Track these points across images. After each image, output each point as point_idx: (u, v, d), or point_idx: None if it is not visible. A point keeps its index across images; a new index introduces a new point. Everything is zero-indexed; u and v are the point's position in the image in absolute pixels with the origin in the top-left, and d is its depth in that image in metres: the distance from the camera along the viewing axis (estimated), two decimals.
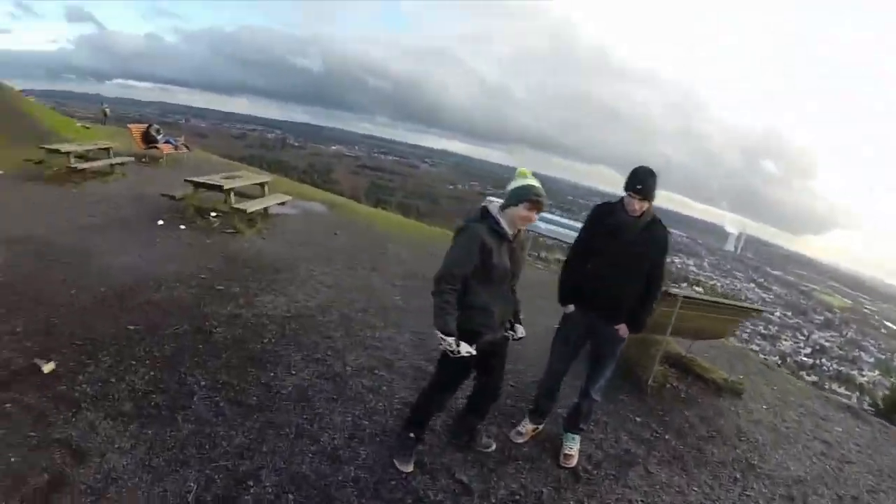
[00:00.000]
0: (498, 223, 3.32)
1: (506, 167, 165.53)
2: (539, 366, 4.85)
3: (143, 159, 14.96)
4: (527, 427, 4.40)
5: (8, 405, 3.86)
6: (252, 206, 9.44)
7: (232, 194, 9.55)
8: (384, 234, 10.91)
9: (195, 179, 9.68)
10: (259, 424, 4.03)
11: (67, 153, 11.78)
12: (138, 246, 7.91)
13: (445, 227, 14.88)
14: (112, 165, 12.69)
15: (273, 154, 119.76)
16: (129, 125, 16.26)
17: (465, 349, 3.28)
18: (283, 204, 10.68)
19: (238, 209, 9.26)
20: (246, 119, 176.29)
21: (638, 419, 5.08)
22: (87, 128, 20.08)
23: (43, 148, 12.06)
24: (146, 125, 15.87)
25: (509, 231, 3.35)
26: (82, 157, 12.46)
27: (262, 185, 10.89)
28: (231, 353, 4.97)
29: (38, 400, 3.97)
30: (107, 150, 13.07)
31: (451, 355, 3.27)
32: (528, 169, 3.41)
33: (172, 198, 9.77)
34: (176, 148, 15.79)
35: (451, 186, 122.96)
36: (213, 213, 9.58)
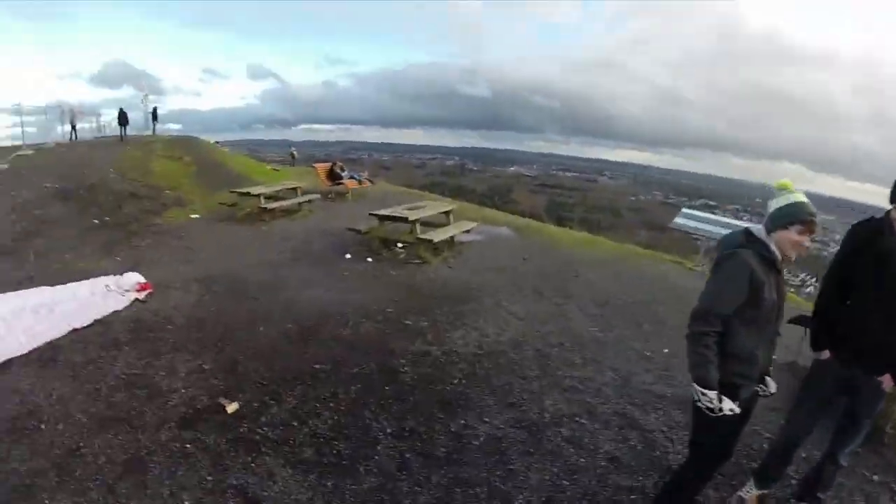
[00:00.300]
0: (768, 248, 2.60)
1: (687, 173, 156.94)
2: (763, 413, 3.87)
3: (330, 196, 15.59)
4: (752, 493, 3.44)
5: (188, 445, 3.75)
6: (438, 236, 9.25)
7: (417, 225, 9.41)
8: (572, 255, 10.18)
9: (380, 213, 9.77)
10: (446, 481, 3.51)
11: (258, 195, 12.38)
12: (325, 280, 7.97)
13: (628, 240, 13.96)
14: (300, 204, 13.25)
15: (454, 180, 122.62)
16: (314, 164, 17.11)
17: (729, 406, 2.53)
18: (468, 231, 10.38)
19: (424, 239, 9.09)
20: (424, 149, 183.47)
21: (875, 478, 3.88)
22: (277, 170, 21.59)
23: (234, 192, 12.80)
24: (331, 163, 16.67)
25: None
26: (271, 197, 13.13)
27: (446, 213, 10.75)
28: (418, 396, 4.55)
29: (219, 441, 3.81)
30: (294, 189, 13.73)
31: (711, 414, 2.50)
32: (788, 180, 2.65)
33: (358, 232, 9.90)
34: (360, 183, 16.35)
35: (632, 198, 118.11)
36: (399, 245, 9.48)
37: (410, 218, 9.32)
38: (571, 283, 8.21)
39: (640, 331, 6.30)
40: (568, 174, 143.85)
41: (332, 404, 4.35)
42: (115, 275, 7.51)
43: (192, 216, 13.22)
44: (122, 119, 26.78)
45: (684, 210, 11.82)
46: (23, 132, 21.11)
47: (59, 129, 27.78)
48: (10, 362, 5.18)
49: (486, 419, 4.23)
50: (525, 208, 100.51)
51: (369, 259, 9.00)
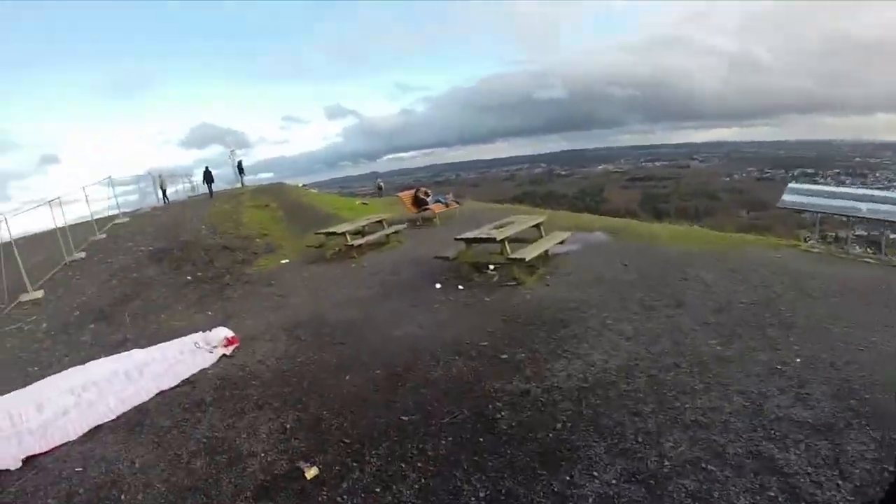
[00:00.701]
0: None
1: (779, 143, 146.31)
2: None
3: (418, 223, 15.37)
4: None
5: None
6: (530, 253, 8.56)
7: (506, 244, 8.80)
8: (675, 253, 9.26)
9: (466, 236, 9.20)
10: None
11: (342, 233, 12.17)
12: (414, 314, 7.56)
13: (729, 224, 12.96)
14: (387, 235, 12.98)
15: (543, 187, 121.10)
16: (398, 194, 16.76)
17: None
18: (561, 243, 9.67)
19: (516, 258, 8.45)
20: (510, 161, 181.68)
21: None
22: (366, 203, 21.66)
23: (320, 233, 12.72)
24: (414, 189, 16.37)
25: None
26: (358, 233, 12.90)
27: (537, 226, 10.08)
28: (516, 448, 3.95)
29: None
30: (380, 222, 13.43)
31: None
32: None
33: (446, 259, 9.40)
34: (447, 205, 15.93)
35: (726, 178, 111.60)
36: (491, 267, 8.97)
37: (498, 238, 8.72)
38: (680, 287, 7.35)
39: (766, 338, 5.40)
40: (657, 164, 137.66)
41: (419, 464, 3.87)
42: (204, 331, 7.48)
43: (283, 261, 13.25)
44: (208, 177, 28.74)
45: (791, 186, 10.59)
46: (117, 202, 22.43)
47: (154, 195, 30.05)
48: (99, 428, 5.26)
49: (595, 473, 3.57)
50: (618, 206, 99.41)
51: (460, 287, 8.48)
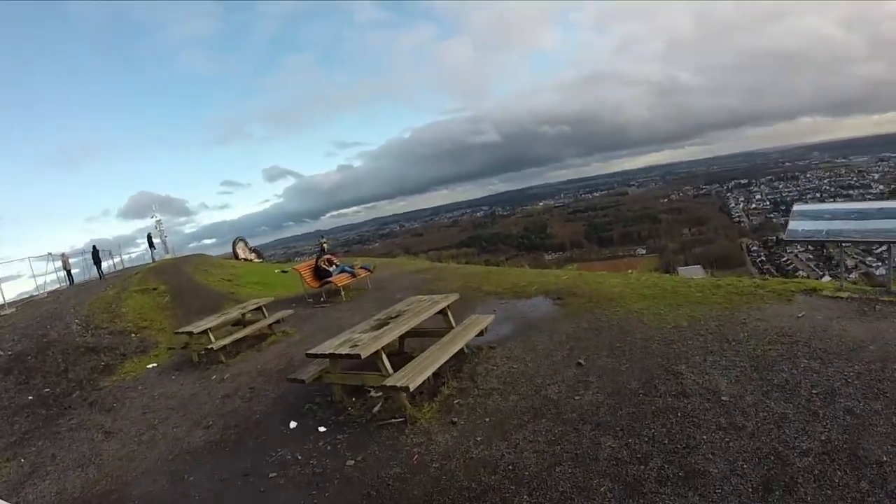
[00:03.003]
0: None
1: (711, 159, 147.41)
2: None
3: (322, 298, 12.20)
4: None
5: None
6: (417, 377, 5.11)
7: (384, 359, 5.42)
8: (653, 330, 6.22)
9: (319, 351, 5.62)
10: None
11: (202, 332, 9.14)
12: (237, 497, 4.54)
13: (672, 240, 10.90)
14: (271, 326, 9.81)
15: (487, 230, 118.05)
16: (296, 266, 13.39)
17: None
18: (482, 333, 6.51)
19: (397, 387, 5.06)
20: (452, 207, 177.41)
21: None
22: (286, 272, 18.37)
23: (180, 332, 9.61)
24: (314, 259, 13.18)
25: None
26: (237, 323, 9.77)
27: (443, 311, 6.75)
28: None
29: None
30: (259, 309, 10.18)
31: None
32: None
33: (302, 382, 6.01)
34: (353, 276, 12.70)
35: (664, 200, 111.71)
36: (373, 390, 5.83)
37: (369, 350, 5.25)
38: (680, 417, 4.25)
39: None
40: (596, 194, 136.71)
41: None
42: None
43: (150, 366, 10.19)
44: (95, 258, 25.60)
45: (798, 208, 6.95)
46: (35, 281, 22.30)
47: (91, 271, 27.54)
48: None
49: None
50: (564, 239, 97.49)
51: (322, 428, 5.37)
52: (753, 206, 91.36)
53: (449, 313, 6.76)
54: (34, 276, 23.28)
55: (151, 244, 30.79)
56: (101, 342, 11.87)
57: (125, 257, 32.46)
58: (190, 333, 9.18)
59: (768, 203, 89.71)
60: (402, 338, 6.47)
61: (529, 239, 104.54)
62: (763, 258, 71.91)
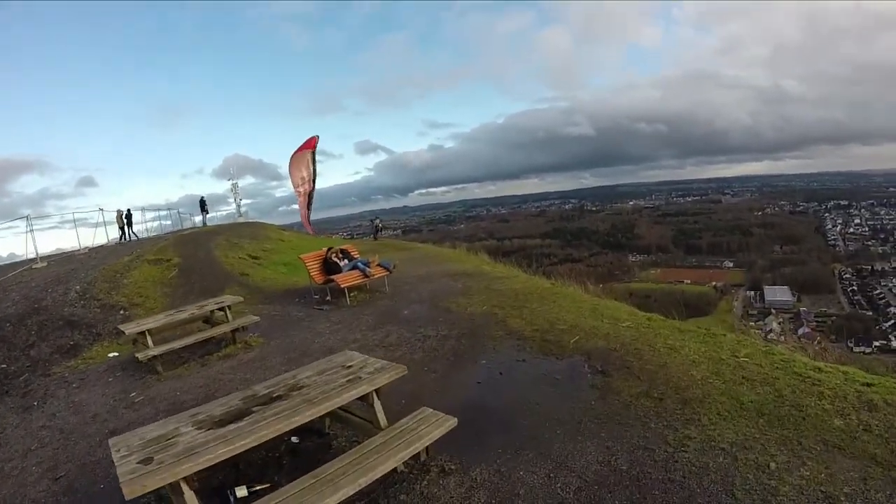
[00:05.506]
0: None
1: (811, 175, 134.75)
2: None
3: (325, 299, 9.80)
4: None
5: None
6: None
7: None
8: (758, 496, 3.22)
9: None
10: None
11: (141, 333, 6.87)
12: None
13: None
14: (234, 332, 7.47)
15: (574, 223, 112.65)
16: (301, 256, 10.70)
17: None
18: (427, 454, 3.74)
19: None
20: (541, 196, 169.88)
21: None
22: (282, 241, 16.28)
23: (120, 328, 7.45)
24: (326, 249, 10.48)
25: None
26: (191, 320, 7.53)
27: (368, 399, 3.86)
28: None
29: None
30: (223, 310, 7.81)
31: None
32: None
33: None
34: (366, 275, 9.90)
35: (758, 213, 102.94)
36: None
37: (156, 479, 2.67)
38: None
39: None
40: (688, 199, 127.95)
41: None
42: None
43: (111, 354, 8.29)
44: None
45: None
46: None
47: (195, 218, 30.43)
48: None
49: None
50: (651, 242, 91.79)
51: None
52: (851, 230, 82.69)
53: (376, 403, 3.90)
54: (97, 227, 22.18)
55: (204, 209, 29.67)
56: (85, 316, 10.14)
57: (217, 213, 32.89)
58: (123, 333, 7.01)
59: (867, 229, 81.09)
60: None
61: (615, 237, 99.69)
62: (854, 288, 65.43)
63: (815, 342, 7.49)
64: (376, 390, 3.78)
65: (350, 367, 3.99)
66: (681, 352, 5.60)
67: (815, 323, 55.28)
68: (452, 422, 3.74)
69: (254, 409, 3.39)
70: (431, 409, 3.88)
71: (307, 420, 3.32)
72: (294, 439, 4.32)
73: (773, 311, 60.15)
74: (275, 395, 3.56)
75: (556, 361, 5.69)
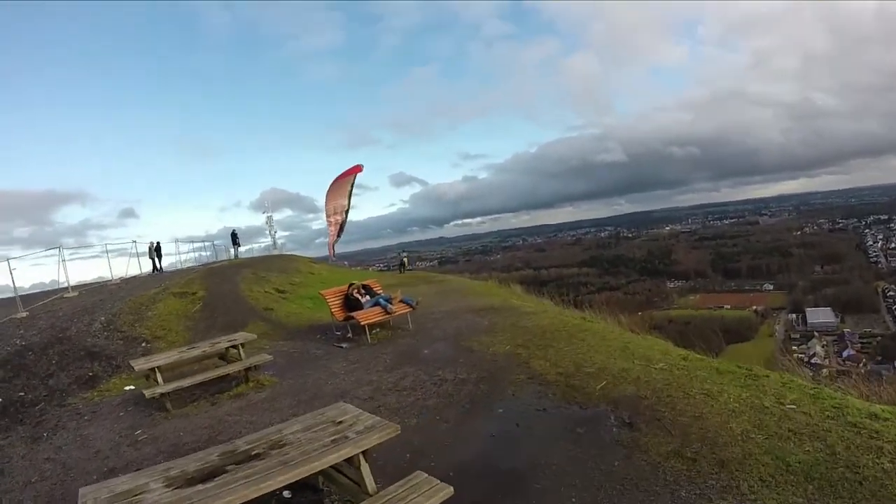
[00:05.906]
0: None
1: (849, 190, 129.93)
2: None
3: (347, 335, 9.47)
4: None
5: None
6: None
7: None
8: None
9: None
10: None
11: (151, 368, 6.62)
12: None
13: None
14: (247, 371, 7.17)
15: (610, 251, 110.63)
16: (322, 292, 10.35)
17: None
18: None
19: None
20: (576, 225, 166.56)
21: None
22: (312, 273, 16.06)
23: (133, 363, 7.28)
24: (348, 285, 10.12)
25: None
26: (205, 358, 7.25)
27: (355, 462, 3.71)
28: None
29: None
30: (236, 347, 7.50)
31: None
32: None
33: None
34: (388, 312, 9.47)
35: (797, 233, 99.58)
36: None
37: None
38: None
39: None
40: (725, 222, 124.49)
41: None
42: None
43: (127, 387, 8.17)
44: (156, 252, 24.27)
45: None
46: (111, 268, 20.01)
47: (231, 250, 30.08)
48: None
49: None
50: (689, 267, 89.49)
51: None
52: (893, 245, 79.16)
53: (363, 466, 3.47)
54: (130, 258, 21.97)
55: (235, 242, 29.99)
56: (107, 347, 10.08)
57: (255, 246, 32.86)
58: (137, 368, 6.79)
59: None
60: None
61: (653, 264, 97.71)
62: None
63: (860, 364, 6.83)
64: (363, 452, 3.38)
65: (340, 423, 3.60)
66: (719, 399, 5.09)
67: (859, 345, 53.57)
68: (448, 491, 3.29)
69: (227, 467, 3.06)
70: (426, 475, 3.42)
71: (279, 486, 2.95)
72: (286, 493, 3.99)
73: (815, 333, 58.43)
74: (253, 453, 3.21)
75: (580, 411, 5.22)
